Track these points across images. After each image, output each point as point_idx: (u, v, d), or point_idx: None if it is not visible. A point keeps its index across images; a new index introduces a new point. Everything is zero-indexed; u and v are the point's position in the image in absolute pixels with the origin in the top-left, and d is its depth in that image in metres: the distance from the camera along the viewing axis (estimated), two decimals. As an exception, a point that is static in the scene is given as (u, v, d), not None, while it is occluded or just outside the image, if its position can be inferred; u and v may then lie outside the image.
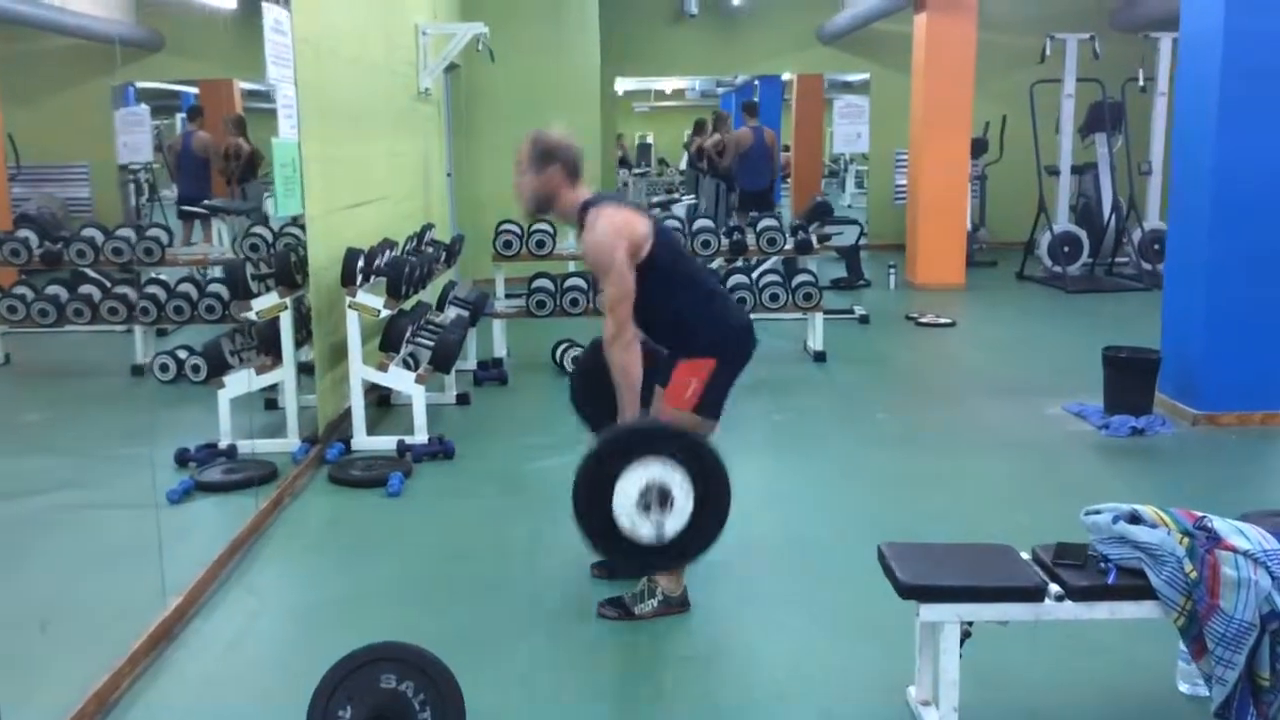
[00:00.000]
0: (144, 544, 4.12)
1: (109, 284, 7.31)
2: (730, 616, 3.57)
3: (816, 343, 7.38)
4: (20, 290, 7.16)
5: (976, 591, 2.63)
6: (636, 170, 22.05)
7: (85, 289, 7.18)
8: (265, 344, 5.50)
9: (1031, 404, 6.14)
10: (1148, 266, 10.64)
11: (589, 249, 3.37)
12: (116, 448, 5.51)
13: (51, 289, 7.19)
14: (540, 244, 7.42)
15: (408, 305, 5.90)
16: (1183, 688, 2.99)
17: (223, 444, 5.31)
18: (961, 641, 2.63)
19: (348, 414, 5.51)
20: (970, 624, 2.64)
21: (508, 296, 7.58)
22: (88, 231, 7.55)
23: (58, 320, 7.12)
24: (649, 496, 3.00)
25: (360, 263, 5.36)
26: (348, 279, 5.30)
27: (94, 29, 11.31)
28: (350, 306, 5.30)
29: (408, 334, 5.58)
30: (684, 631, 3.47)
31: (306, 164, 5.17)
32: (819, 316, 7.37)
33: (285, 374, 5.41)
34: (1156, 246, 10.77)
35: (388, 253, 5.79)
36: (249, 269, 5.55)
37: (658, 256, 3.39)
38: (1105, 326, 8.53)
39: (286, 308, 5.36)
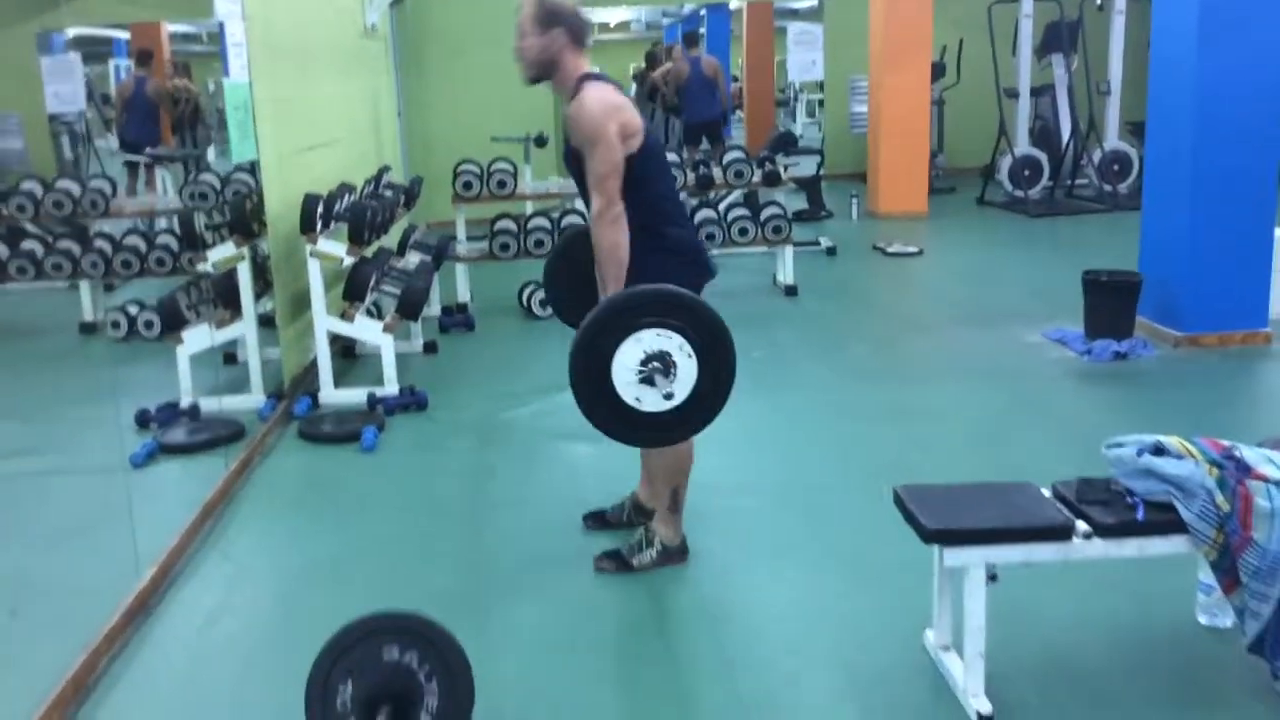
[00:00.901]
0: (110, 512, 3.94)
1: (51, 238, 6.99)
2: (731, 564, 3.45)
3: (787, 276, 7.25)
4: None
5: (1002, 533, 2.52)
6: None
7: (27, 244, 6.87)
8: (223, 297, 5.27)
9: (1010, 331, 6.07)
10: (1108, 188, 10.60)
11: (580, 117, 3.11)
12: (72, 410, 5.27)
13: (-6, 246, 6.87)
14: (501, 184, 7.18)
15: (369, 252, 5.68)
16: (1202, 619, 2.93)
17: (184, 403, 5.10)
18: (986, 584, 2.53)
19: (313, 367, 5.31)
20: (994, 566, 2.54)
21: (469, 239, 7.36)
22: (26, 184, 7.22)
23: (3, 279, 6.82)
24: (649, 367, 2.86)
25: (320, 209, 5.12)
26: (307, 226, 5.06)
27: (15, -29, 10.78)
28: (312, 255, 5.07)
29: (372, 281, 5.37)
30: (685, 583, 3.35)
31: (258, 106, 4.90)
32: (789, 250, 7.23)
33: (246, 327, 5.20)
34: (1116, 167, 10.74)
35: (347, 197, 5.55)
36: (201, 219, 5.29)
37: (643, 156, 3.18)
38: (1071, 249, 8.51)
39: (244, 258, 5.13)
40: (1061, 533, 2.54)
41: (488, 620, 3.15)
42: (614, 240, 3.12)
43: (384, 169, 6.76)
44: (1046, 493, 2.73)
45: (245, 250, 5.12)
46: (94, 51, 10.57)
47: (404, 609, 2.47)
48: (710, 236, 7.01)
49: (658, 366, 2.85)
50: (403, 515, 3.99)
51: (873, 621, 3.06)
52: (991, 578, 2.53)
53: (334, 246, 5.13)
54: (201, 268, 5.22)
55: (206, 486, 4.12)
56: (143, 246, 6.80)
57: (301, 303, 5.25)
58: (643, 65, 14.25)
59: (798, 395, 5.20)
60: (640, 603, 3.24)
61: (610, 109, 3.11)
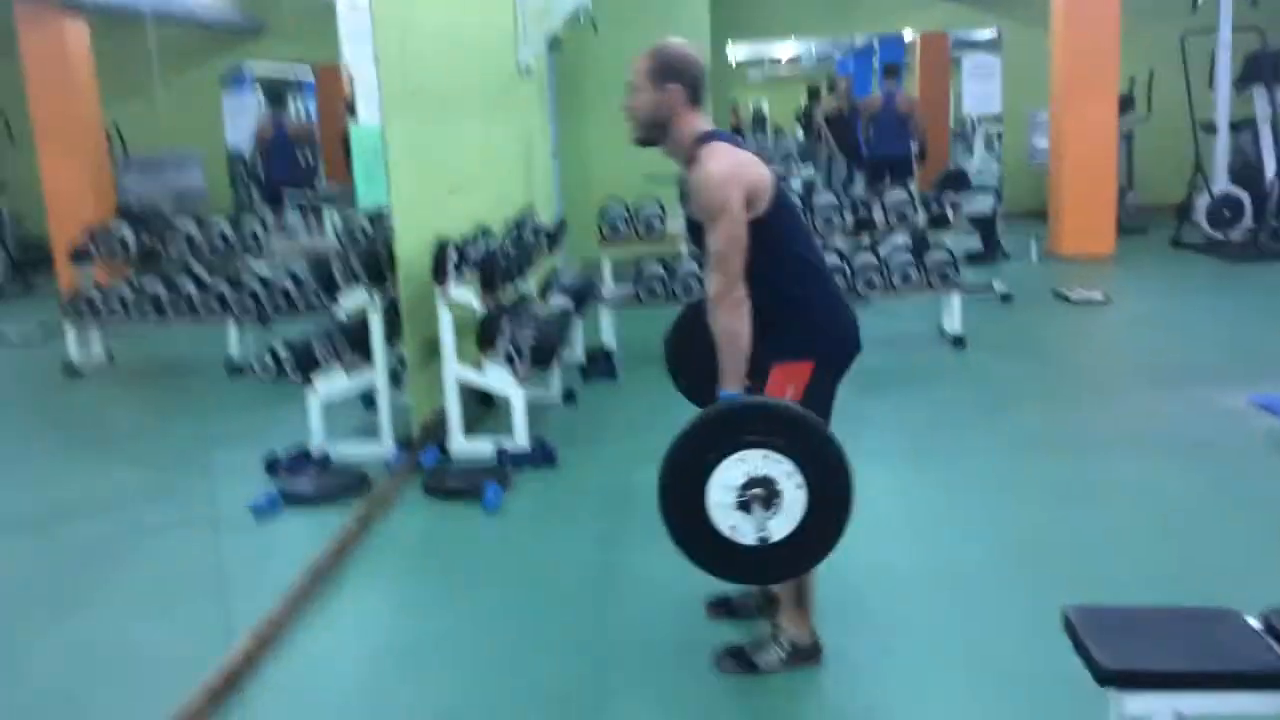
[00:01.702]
0: (220, 569, 3.80)
1: (208, 278, 7.08)
2: (871, 670, 3.03)
3: (954, 326, 6.72)
4: (121, 289, 7.00)
5: (1197, 678, 2.05)
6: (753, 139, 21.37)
7: (184, 285, 6.97)
8: (355, 342, 5.14)
9: (1208, 395, 5.40)
10: (1320, 231, 9.64)
11: (699, 186, 2.77)
12: (205, 455, 5.21)
13: (151, 286, 7.00)
14: (649, 226, 6.92)
15: (508, 297, 5.47)
16: None
17: (314, 450, 4.98)
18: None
19: (444, 415, 5.11)
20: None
21: (616, 282, 7.10)
22: (185, 225, 7.34)
23: (158, 318, 6.95)
24: (750, 493, 2.49)
25: (452, 255, 4.94)
26: (439, 273, 4.88)
27: (199, 15, 11.21)
28: (442, 303, 4.88)
29: (506, 329, 5.14)
30: (816, 689, 2.96)
31: (391, 149, 4.77)
32: (956, 296, 6.71)
33: (377, 375, 5.05)
34: (1330, 208, 9.75)
35: (483, 243, 5.35)
36: (337, 263, 5.17)
37: (774, 215, 2.81)
38: (1277, 299, 7.70)
39: (375, 305, 4.99)
40: (1273, 681, 2.04)
41: (590, 724, 2.83)
42: (734, 329, 2.75)
43: (528, 211, 6.57)
44: (1254, 623, 2.22)
45: (377, 297, 4.98)
46: (279, 91, 10.85)
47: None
48: (869, 283, 6.57)
49: (759, 494, 2.50)
50: (518, 589, 3.71)
51: (1035, 756, 2.60)
52: (1183, 732, 2.06)
53: (465, 294, 4.93)
54: (335, 313, 5.11)
55: (322, 543, 3.94)
56: (292, 288, 6.82)
57: (432, 350, 5.07)
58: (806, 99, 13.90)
59: (960, 466, 4.70)
60: (763, 710, 2.86)
61: (733, 172, 2.75)
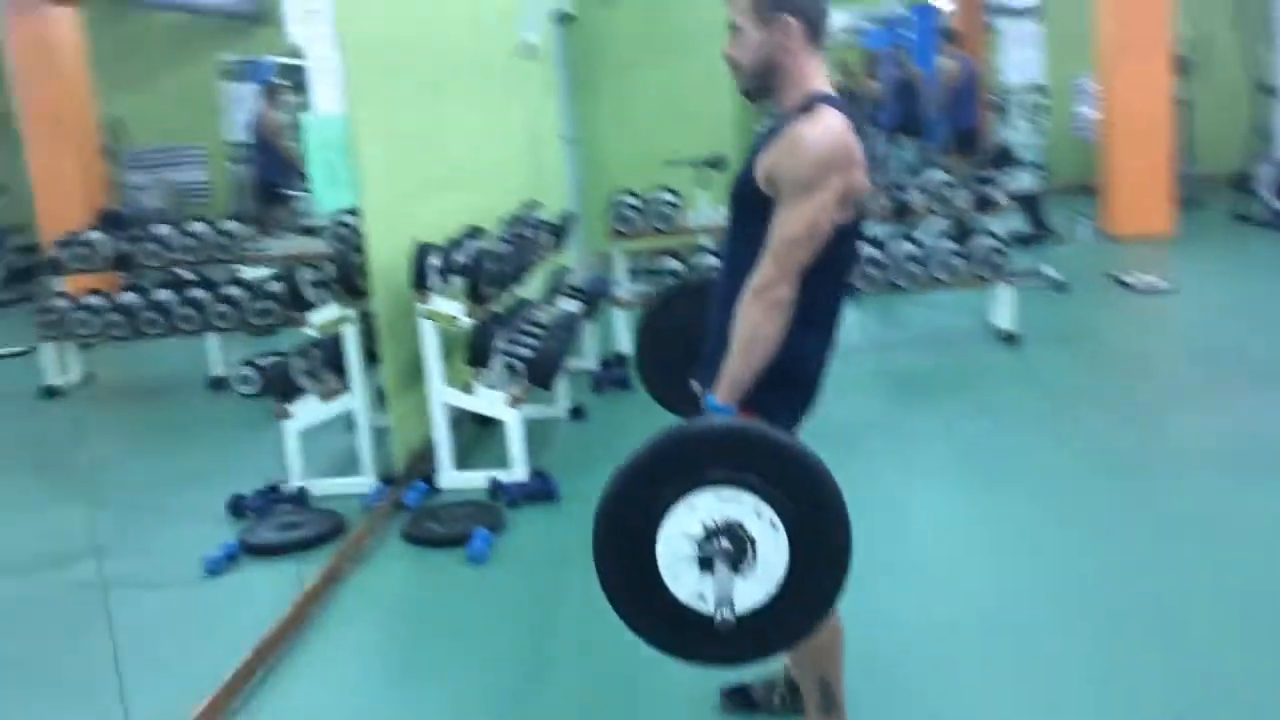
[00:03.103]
0: (159, 643, 3.25)
1: (191, 286, 6.52)
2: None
3: (1005, 320, 6.04)
4: (93, 300, 6.45)
5: None
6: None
7: (161, 295, 6.42)
8: (332, 363, 4.56)
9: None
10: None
11: (802, 148, 2.10)
12: (170, 494, 4.67)
13: (128, 297, 6.46)
14: (664, 217, 6.29)
15: (503, 305, 4.88)
16: None
17: (291, 486, 4.43)
18: None
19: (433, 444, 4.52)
20: None
21: (632, 280, 6.48)
22: (160, 229, 6.79)
23: (131, 333, 6.39)
24: (713, 545, 1.84)
25: (434, 260, 4.34)
26: (418, 282, 4.29)
27: (201, 3, 10.66)
28: (423, 316, 4.29)
29: (499, 343, 4.54)
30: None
31: (361, 143, 4.16)
32: (1007, 287, 6.03)
33: (355, 399, 4.47)
34: None
35: (471, 245, 4.74)
36: (305, 272, 4.59)
37: (852, 230, 2.22)
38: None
39: (351, 320, 4.41)
40: None
41: None
42: (764, 331, 2.13)
43: (530, 205, 5.95)
44: None
45: (353, 311, 4.41)
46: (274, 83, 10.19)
47: None
48: (910, 276, 5.91)
49: (724, 546, 1.84)
50: (500, 665, 3.11)
51: None
52: None
53: (450, 305, 4.33)
54: (306, 331, 4.54)
55: (281, 606, 3.36)
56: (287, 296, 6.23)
57: (418, 370, 4.48)
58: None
59: (1020, 492, 4.04)
60: None
61: (845, 156, 2.12)
